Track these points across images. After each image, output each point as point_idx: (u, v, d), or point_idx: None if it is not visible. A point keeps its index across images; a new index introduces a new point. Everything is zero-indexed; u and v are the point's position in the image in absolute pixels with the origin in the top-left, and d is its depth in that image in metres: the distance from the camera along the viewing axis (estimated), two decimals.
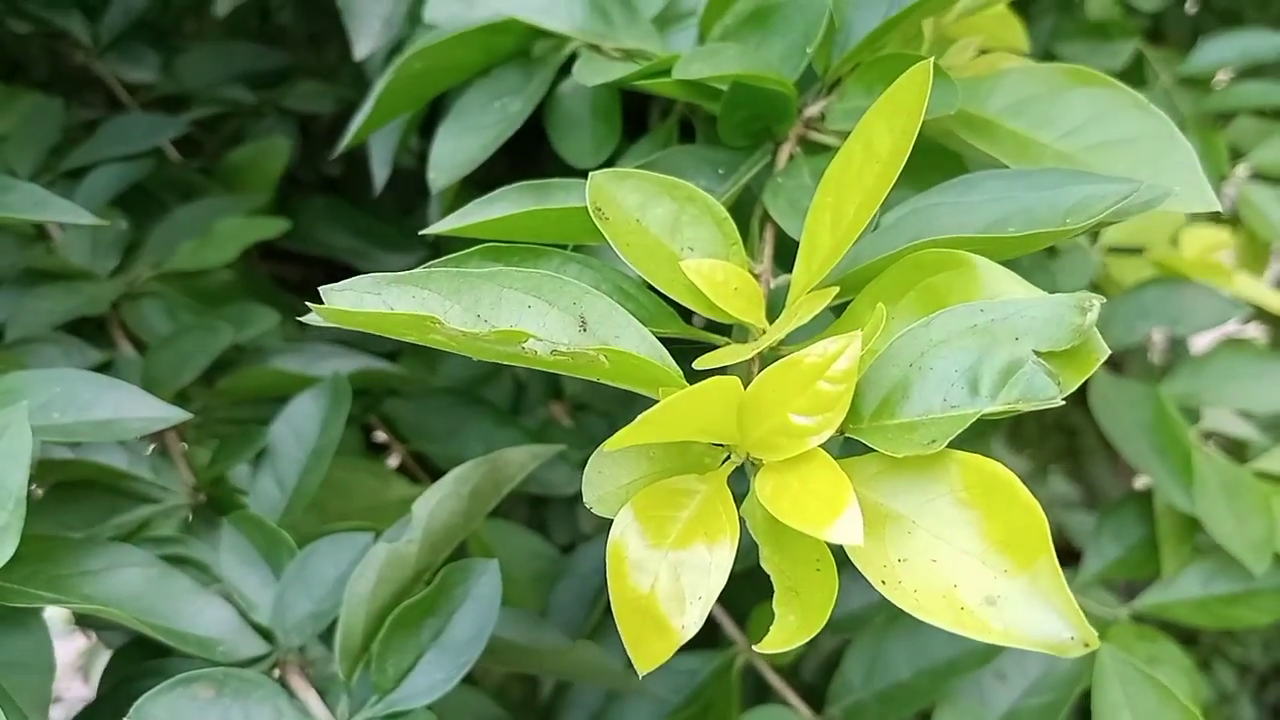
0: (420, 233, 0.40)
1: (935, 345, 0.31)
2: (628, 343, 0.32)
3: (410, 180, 0.67)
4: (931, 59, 0.33)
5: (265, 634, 0.50)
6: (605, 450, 0.28)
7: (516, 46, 0.54)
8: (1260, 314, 1.46)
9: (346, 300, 0.31)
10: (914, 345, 0.31)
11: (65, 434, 0.46)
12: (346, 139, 0.56)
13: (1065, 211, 0.36)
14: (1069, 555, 1.10)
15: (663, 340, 0.37)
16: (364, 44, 0.63)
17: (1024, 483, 0.29)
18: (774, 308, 0.40)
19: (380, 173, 0.64)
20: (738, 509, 0.30)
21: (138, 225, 0.74)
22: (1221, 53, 1.04)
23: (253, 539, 0.52)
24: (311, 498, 0.56)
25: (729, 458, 0.31)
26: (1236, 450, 0.81)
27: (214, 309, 0.67)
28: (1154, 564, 0.75)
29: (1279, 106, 1.07)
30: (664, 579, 0.28)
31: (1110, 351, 0.30)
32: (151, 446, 0.62)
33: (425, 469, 0.74)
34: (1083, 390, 0.78)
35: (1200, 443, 0.79)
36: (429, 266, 0.36)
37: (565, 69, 0.54)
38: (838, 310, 0.37)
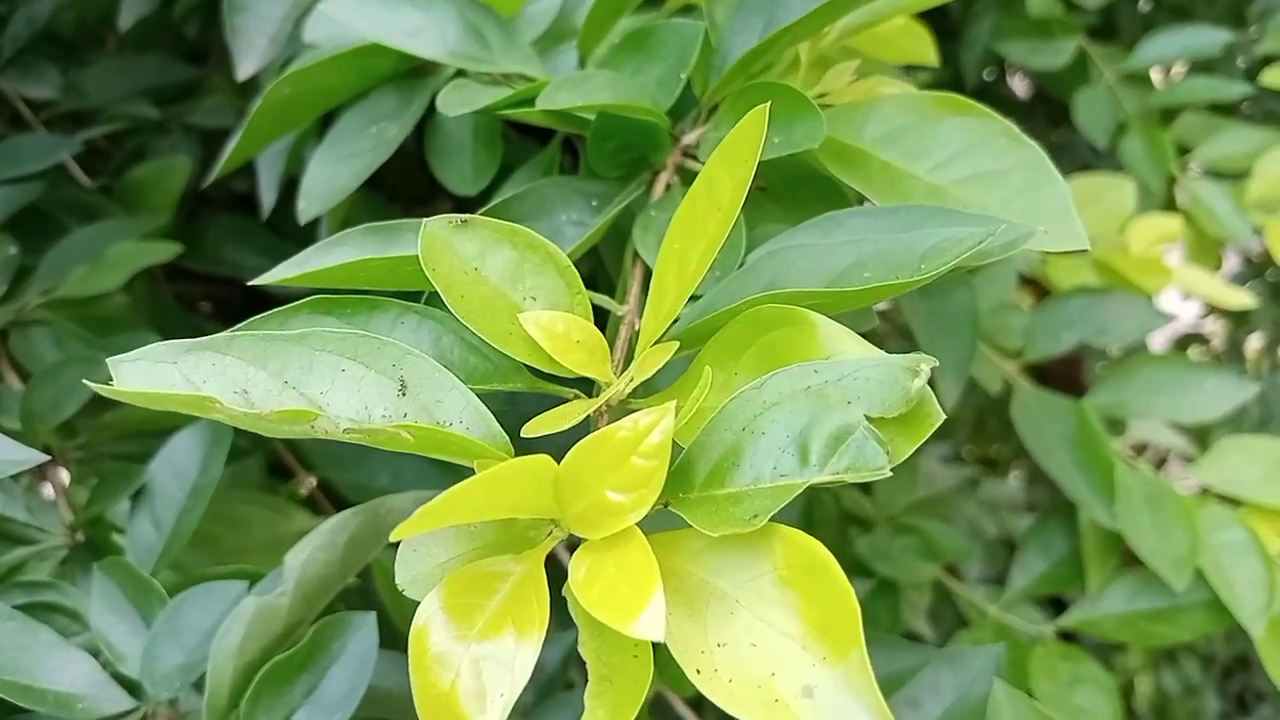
0: (249, 284, 0.38)
1: (768, 408, 0.29)
2: (449, 408, 0.30)
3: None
4: (767, 106, 0.31)
5: (133, 686, 0.48)
6: (412, 529, 0.26)
7: (393, 69, 0.52)
8: (1216, 307, 1.45)
9: (137, 372, 0.29)
10: (747, 408, 0.29)
11: None
12: (219, 165, 0.54)
13: (921, 255, 0.34)
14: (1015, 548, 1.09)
15: (512, 395, 0.35)
16: (247, 64, 0.60)
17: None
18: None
19: (268, 196, 0.61)
20: (560, 589, 0.28)
21: (34, 249, 0.71)
22: (1163, 49, 1.03)
23: (123, 587, 0.50)
24: (190, 538, 0.54)
25: (552, 530, 0.29)
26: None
27: (104, 337, 0.65)
28: (1081, 579, 0.74)
29: (1226, 101, 1.06)
30: (465, 675, 0.26)
31: (945, 416, 0.28)
32: (30, 483, 0.60)
33: (331, 498, 0.72)
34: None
35: (1127, 454, 0.78)
36: (246, 325, 0.34)
37: None
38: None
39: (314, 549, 0.47)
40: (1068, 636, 0.75)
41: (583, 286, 0.35)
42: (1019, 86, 1.38)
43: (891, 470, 0.27)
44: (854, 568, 0.76)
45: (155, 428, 0.61)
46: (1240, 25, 1.25)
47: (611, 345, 0.39)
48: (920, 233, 0.35)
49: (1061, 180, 0.39)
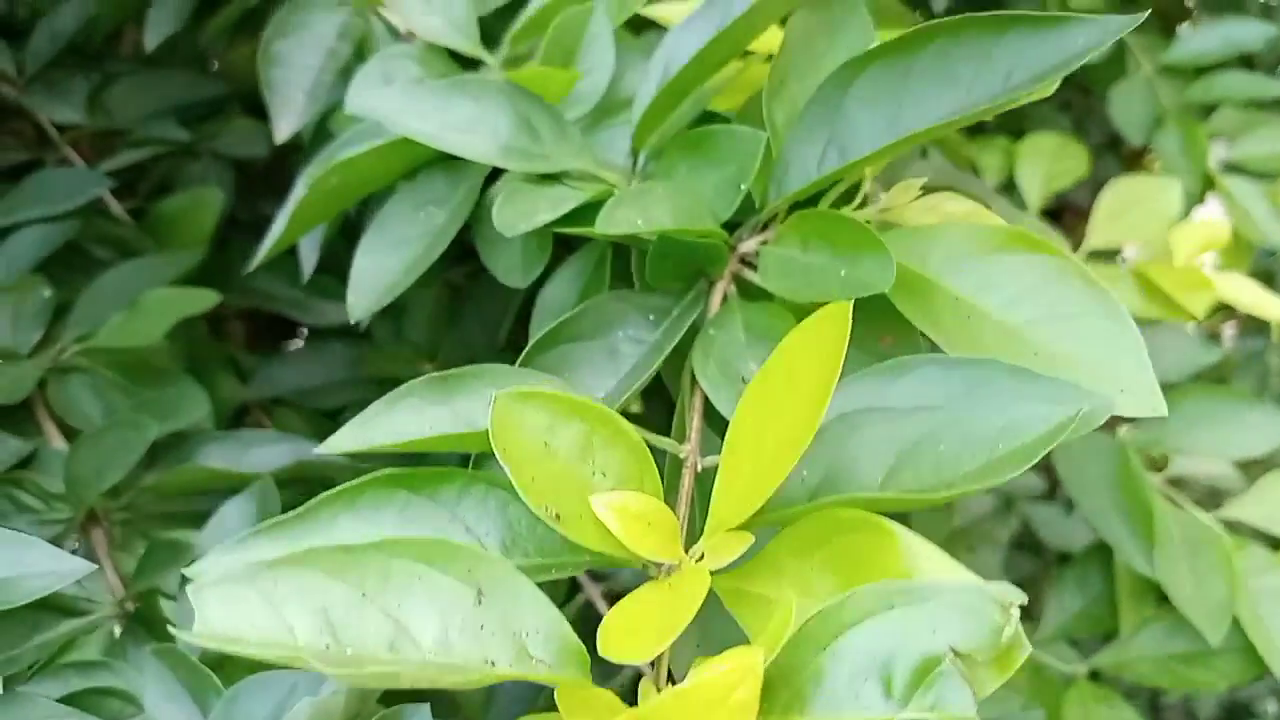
0: (316, 451, 0.38)
1: (849, 629, 0.29)
2: (525, 618, 0.30)
3: (354, 225, 0.64)
4: (850, 305, 0.31)
5: None
6: None
7: (440, 152, 0.51)
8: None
9: (219, 600, 0.28)
10: (828, 627, 0.29)
11: None
12: (262, 253, 0.53)
13: (999, 432, 0.33)
14: (1034, 548, 1.09)
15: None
16: (286, 123, 0.59)
17: None
18: (700, 499, 0.38)
19: (309, 260, 0.61)
20: None
21: (65, 283, 0.71)
22: (1205, 42, 1.01)
23: (178, 674, 0.51)
24: None
25: None
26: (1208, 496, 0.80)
27: (144, 388, 0.65)
28: (1117, 618, 0.75)
29: (1265, 98, 1.04)
30: None
31: (1031, 649, 0.28)
32: (76, 547, 0.60)
33: None
34: None
35: (1168, 489, 0.77)
36: (318, 503, 0.34)
37: (495, 175, 0.51)
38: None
39: None
40: (1098, 675, 0.76)
41: (652, 461, 0.35)
42: None
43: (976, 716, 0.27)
44: None
45: (200, 489, 0.61)
46: None
47: (675, 489, 0.39)
48: (998, 405, 0.34)
49: (1136, 330, 0.38)
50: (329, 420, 0.77)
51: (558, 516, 0.32)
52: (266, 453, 0.61)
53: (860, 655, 0.28)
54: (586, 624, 0.38)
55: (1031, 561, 1.18)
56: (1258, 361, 1.37)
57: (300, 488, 0.66)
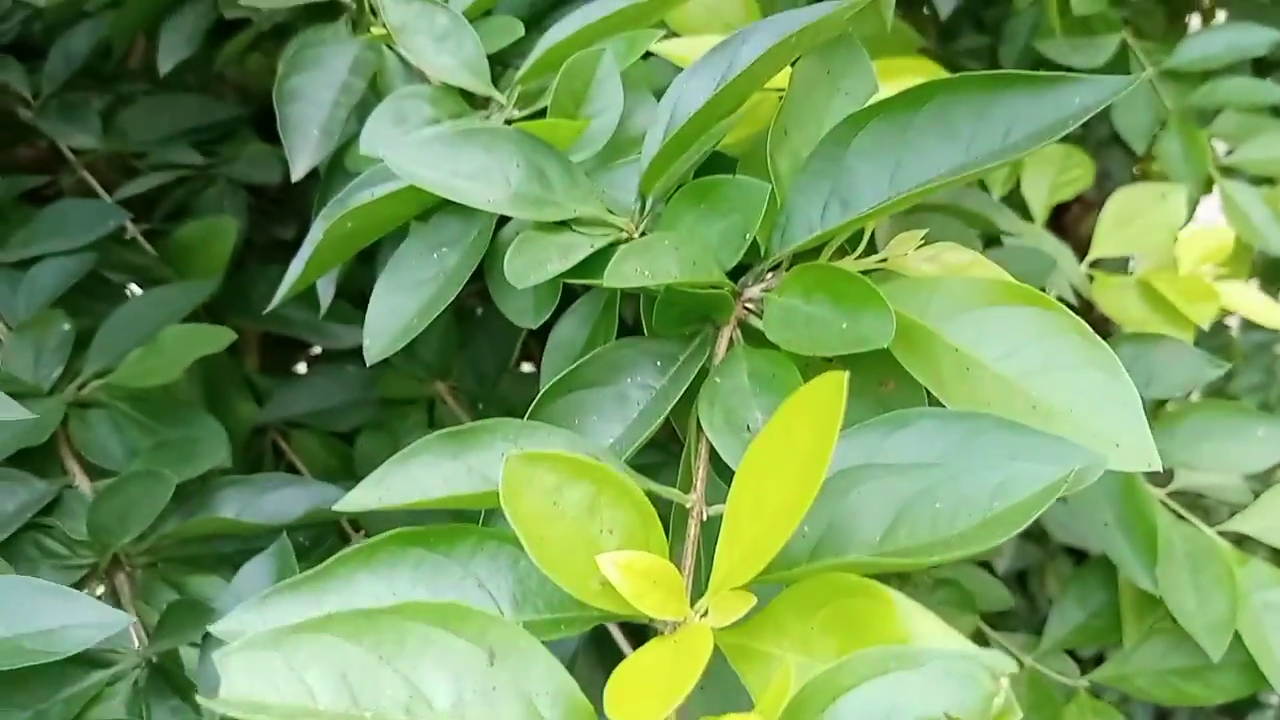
0: (334, 508, 0.39)
1: (846, 691, 0.30)
2: (536, 679, 0.31)
3: (368, 250, 0.65)
4: (846, 376, 0.32)
5: None
6: None
7: None
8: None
9: (244, 667, 0.30)
10: (825, 690, 0.30)
11: (9, 654, 0.45)
12: (281, 294, 0.54)
13: (993, 490, 0.35)
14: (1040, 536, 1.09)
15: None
16: (302, 161, 0.60)
17: None
18: (706, 546, 0.39)
19: (326, 293, 0.62)
20: None
21: (83, 310, 0.72)
22: (1207, 46, 1.01)
23: None
24: None
25: None
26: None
27: (162, 424, 0.66)
28: (1119, 631, 0.76)
29: (1267, 104, 1.04)
30: None
31: (1021, 714, 0.29)
32: (101, 593, 0.61)
33: None
34: None
35: (1171, 502, 0.78)
36: (338, 560, 0.35)
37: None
38: None
39: None
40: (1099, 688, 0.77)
41: (657, 519, 0.36)
42: None
43: None
44: None
45: (220, 533, 0.63)
46: None
47: (682, 538, 0.40)
48: (993, 462, 0.36)
49: (1133, 386, 0.39)
50: (344, 442, 0.78)
51: (565, 576, 0.34)
52: (283, 497, 0.62)
53: (857, 718, 0.30)
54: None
55: (1039, 549, 1.19)
56: (1265, 352, 1.37)
57: (317, 529, 0.67)
